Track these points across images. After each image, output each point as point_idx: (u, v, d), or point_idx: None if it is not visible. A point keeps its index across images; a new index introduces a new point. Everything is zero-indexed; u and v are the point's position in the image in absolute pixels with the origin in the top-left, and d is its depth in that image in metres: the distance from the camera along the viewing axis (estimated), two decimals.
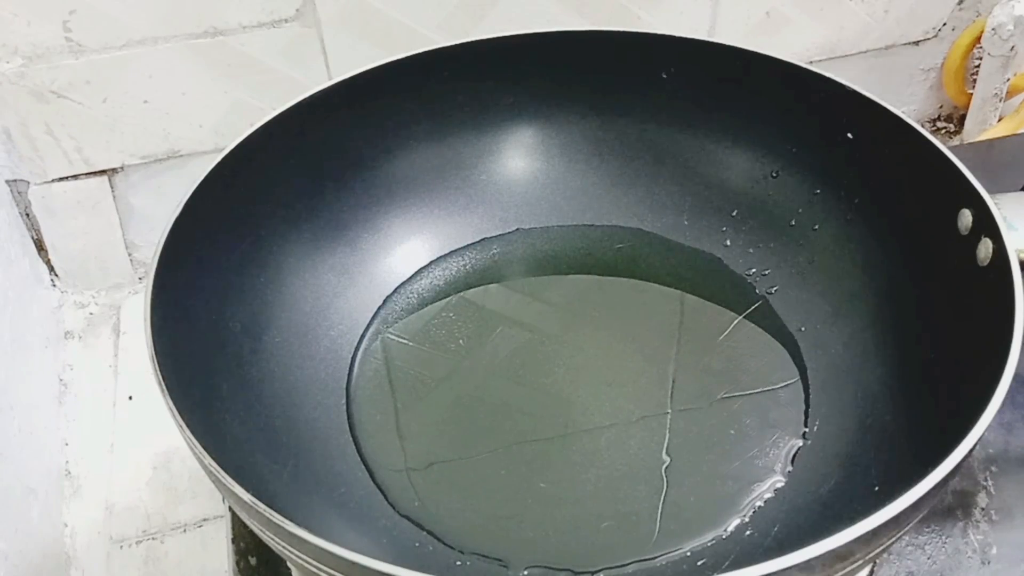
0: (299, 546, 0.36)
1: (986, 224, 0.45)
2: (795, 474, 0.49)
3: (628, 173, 0.63)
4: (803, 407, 0.52)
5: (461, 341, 0.57)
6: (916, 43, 0.90)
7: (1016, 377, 0.39)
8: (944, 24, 0.91)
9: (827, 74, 0.55)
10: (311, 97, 0.55)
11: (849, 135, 0.55)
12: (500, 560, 0.46)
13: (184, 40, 0.66)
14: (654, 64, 0.60)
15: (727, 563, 0.45)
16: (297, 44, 0.69)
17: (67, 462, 0.65)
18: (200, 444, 0.39)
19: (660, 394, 0.54)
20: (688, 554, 0.46)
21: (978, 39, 0.92)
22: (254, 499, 0.37)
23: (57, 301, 0.75)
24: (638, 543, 0.47)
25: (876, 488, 0.44)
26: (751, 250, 0.60)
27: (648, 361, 0.55)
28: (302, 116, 0.55)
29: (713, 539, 0.47)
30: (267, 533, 0.38)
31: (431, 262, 0.61)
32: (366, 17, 0.69)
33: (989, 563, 0.50)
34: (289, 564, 0.49)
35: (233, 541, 0.53)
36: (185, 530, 0.61)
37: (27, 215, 0.72)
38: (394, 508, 0.49)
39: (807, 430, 0.51)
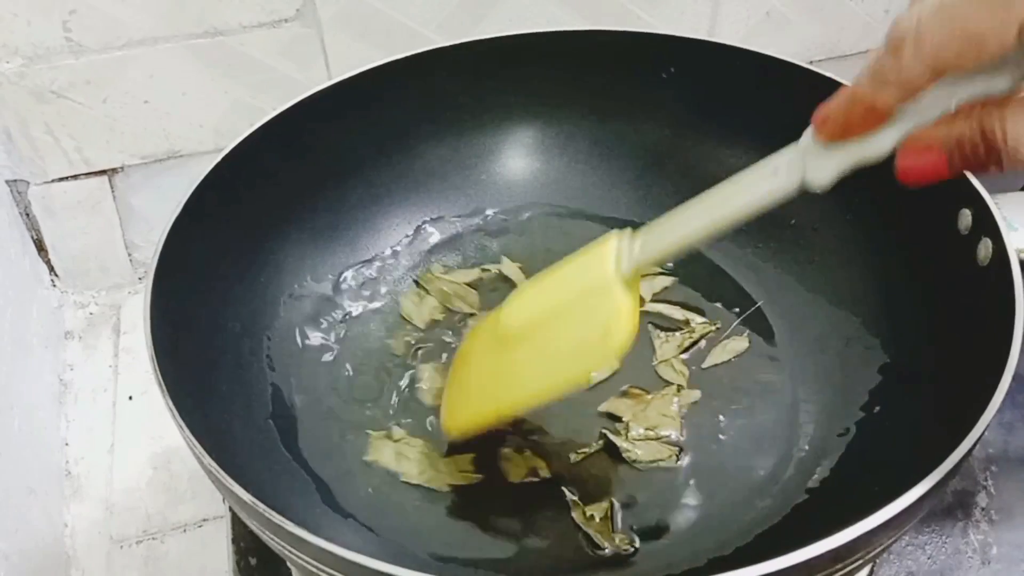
0: (299, 546, 0.36)
1: (986, 224, 0.45)
2: (795, 474, 0.49)
3: (628, 173, 0.63)
4: (803, 407, 0.52)
5: (462, 341, 0.57)
6: None
7: (1016, 377, 0.39)
8: None
9: (827, 74, 0.55)
10: (311, 97, 0.55)
11: None
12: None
13: (184, 40, 0.66)
14: (654, 64, 0.60)
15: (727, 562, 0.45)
16: (297, 44, 0.69)
17: (67, 462, 0.65)
18: (200, 444, 0.39)
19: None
20: (669, 564, 0.46)
21: None
22: (254, 499, 0.37)
23: (57, 301, 0.75)
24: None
25: (876, 488, 0.44)
26: (751, 250, 0.60)
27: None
28: (302, 116, 0.55)
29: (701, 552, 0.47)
30: (267, 533, 0.38)
31: (430, 262, 0.61)
32: (366, 17, 0.69)
33: (989, 563, 0.50)
34: (289, 564, 0.49)
35: (233, 541, 0.53)
36: (185, 530, 0.61)
37: (27, 215, 0.72)
38: (394, 508, 0.49)
39: (807, 431, 0.51)
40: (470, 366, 0.50)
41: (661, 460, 0.50)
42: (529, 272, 0.60)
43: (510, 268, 0.60)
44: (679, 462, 0.50)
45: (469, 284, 0.60)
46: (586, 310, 0.43)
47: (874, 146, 0.35)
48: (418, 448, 0.51)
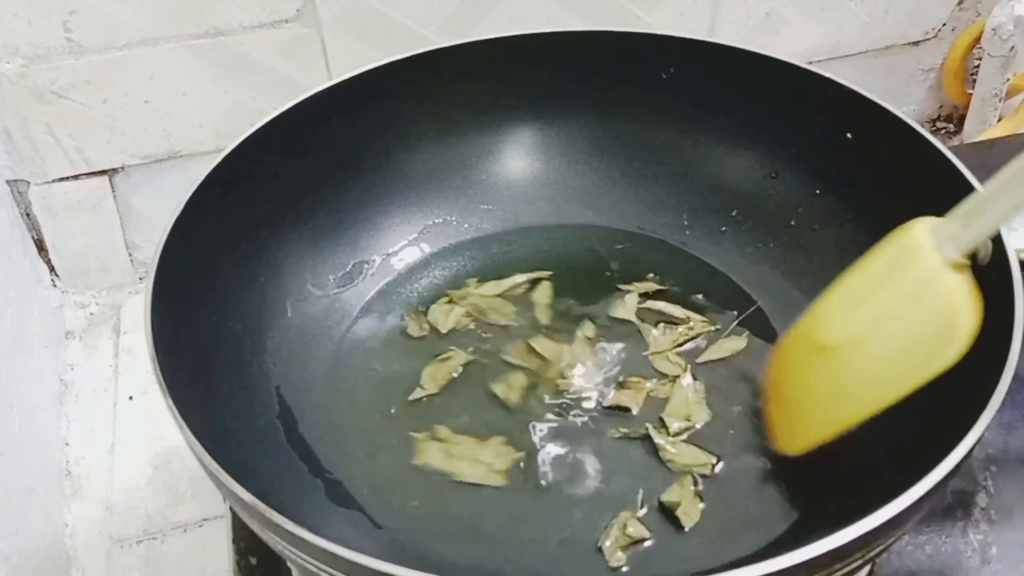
0: (299, 546, 0.36)
1: None
2: (795, 474, 0.49)
3: (628, 173, 0.63)
4: None
5: (461, 341, 0.57)
6: (916, 43, 0.91)
7: (1016, 377, 0.39)
8: (944, 24, 0.91)
9: (827, 74, 0.55)
10: (311, 97, 0.56)
11: (849, 135, 0.55)
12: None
13: (185, 40, 0.66)
14: (654, 64, 0.60)
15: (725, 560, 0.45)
16: (297, 44, 0.69)
17: (67, 462, 0.65)
18: (200, 444, 0.39)
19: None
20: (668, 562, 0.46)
21: (978, 39, 0.92)
22: (254, 499, 0.37)
23: (57, 301, 0.75)
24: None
25: (876, 488, 0.44)
26: (751, 250, 0.60)
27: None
28: (302, 116, 0.55)
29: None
30: (267, 533, 0.38)
31: (430, 262, 0.61)
32: (366, 17, 0.69)
33: (989, 563, 0.50)
34: (289, 564, 0.49)
35: (233, 541, 0.53)
36: (185, 530, 0.61)
37: (28, 215, 0.73)
38: (394, 508, 0.49)
39: None
40: (795, 383, 0.48)
41: (696, 466, 0.49)
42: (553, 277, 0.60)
43: (544, 283, 0.60)
44: (715, 471, 0.49)
45: (501, 296, 0.59)
46: (919, 306, 0.41)
47: None
48: (465, 445, 0.51)
